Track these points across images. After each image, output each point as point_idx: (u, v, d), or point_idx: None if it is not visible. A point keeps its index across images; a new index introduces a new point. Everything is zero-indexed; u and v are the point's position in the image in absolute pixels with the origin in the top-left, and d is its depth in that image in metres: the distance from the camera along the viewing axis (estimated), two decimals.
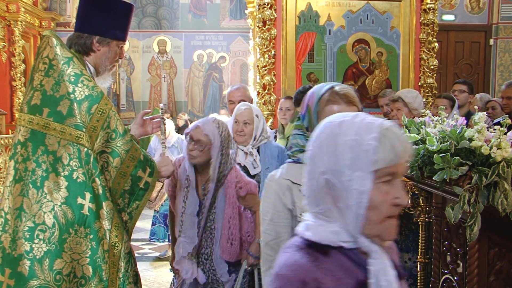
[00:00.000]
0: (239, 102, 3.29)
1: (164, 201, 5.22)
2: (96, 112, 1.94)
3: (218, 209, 2.48)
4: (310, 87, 3.78)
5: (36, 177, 1.91)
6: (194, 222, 2.42)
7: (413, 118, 3.43)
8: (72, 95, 1.92)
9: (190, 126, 2.52)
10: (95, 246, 1.92)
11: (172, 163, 2.29)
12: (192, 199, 2.44)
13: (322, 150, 1.01)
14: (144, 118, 2.35)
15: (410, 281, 3.41)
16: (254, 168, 2.90)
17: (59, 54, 1.96)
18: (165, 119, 2.39)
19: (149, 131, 2.37)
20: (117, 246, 1.95)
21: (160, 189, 5.06)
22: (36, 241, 1.88)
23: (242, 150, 2.88)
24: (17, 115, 7.64)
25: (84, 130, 1.92)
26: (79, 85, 1.94)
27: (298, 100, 3.66)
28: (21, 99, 7.83)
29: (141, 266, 4.95)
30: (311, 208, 1.05)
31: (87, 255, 1.91)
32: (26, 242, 1.87)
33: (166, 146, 2.37)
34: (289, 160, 1.65)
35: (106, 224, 1.94)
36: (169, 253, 5.48)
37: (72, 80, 1.94)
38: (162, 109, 2.37)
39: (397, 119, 3.50)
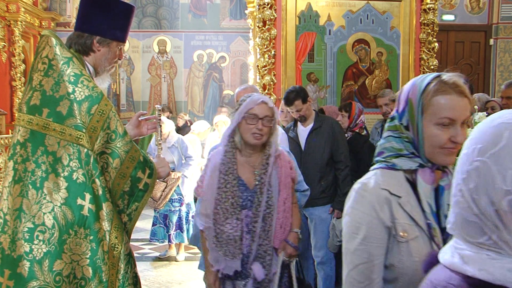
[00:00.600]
0: None
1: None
2: (96, 113, 1.92)
3: (274, 192, 2.25)
4: (301, 87, 3.79)
5: (35, 178, 1.89)
6: (211, 203, 2.22)
7: None
8: (72, 96, 1.91)
9: (247, 104, 2.28)
10: (95, 247, 1.90)
11: (168, 164, 2.28)
12: (212, 182, 2.24)
13: (503, 161, 0.77)
14: (140, 119, 2.34)
15: None
16: None
17: (58, 54, 1.94)
18: (161, 120, 2.37)
19: (144, 132, 2.36)
20: (117, 248, 1.94)
21: (164, 189, 5.07)
22: (35, 242, 1.86)
23: None
24: (16, 115, 7.60)
25: (84, 130, 1.91)
26: (79, 85, 1.92)
27: (289, 100, 3.64)
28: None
29: (141, 266, 4.95)
30: (470, 237, 0.81)
31: (87, 256, 1.90)
32: (26, 243, 1.86)
33: (162, 148, 2.36)
34: (381, 165, 1.36)
35: (105, 225, 1.92)
36: (170, 253, 5.48)
37: (72, 80, 1.92)
38: (159, 110, 2.35)
39: None
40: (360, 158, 3.79)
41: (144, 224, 6.74)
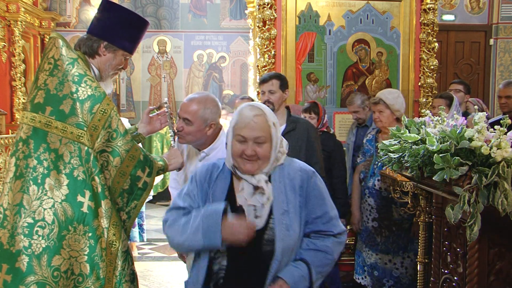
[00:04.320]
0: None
1: None
2: (98, 112, 1.97)
3: None
4: (284, 75, 3.48)
5: (37, 174, 1.93)
6: None
7: (396, 119, 3.44)
8: (75, 95, 1.96)
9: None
10: (93, 244, 1.93)
11: (181, 155, 2.28)
12: None
13: None
14: (150, 115, 2.40)
15: (390, 282, 3.41)
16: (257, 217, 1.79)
17: (64, 55, 2.00)
18: (172, 113, 2.41)
19: (158, 127, 2.42)
20: (115, 244, 1.97)
21: None
22: (35, 237, 1.89)
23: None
24: (20, 113, 7.64)
25: (85, 129, 1.95)
26: (82, 85, 1.98)
27: (267, 76, 3.33)
28: (21, 99, 7.84)
29: (141, 266, 4.94)
30: None
31: (85, 253, 1.93)
32: (25, 238, 1.89)
33: (175, 139, 2.37)
34: None
35: (104, 222, 1.96)
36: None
37: (76, 80, 1.98)
38: (166, 103, 2.39)
39: (379, 121, 3.47)
40: (334, 157, 3.68)
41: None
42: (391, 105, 3.40)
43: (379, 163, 3.37)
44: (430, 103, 4.55)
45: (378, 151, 3.40)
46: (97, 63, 2.15)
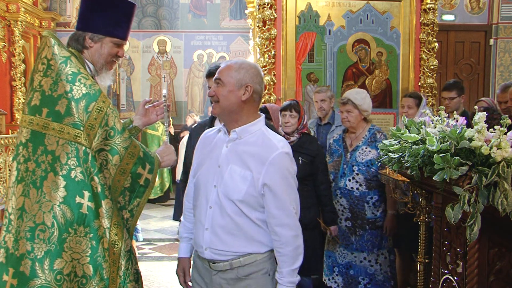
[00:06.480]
0: None
1: None
2: (93, 110, 1.93)
3: None
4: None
5: (36, 177, 1.91)
6: None
7: (363, 119, 3.45)
8: (69, 94, 1.92)
9: None
10: (95, 245, 1.91)
11: (174, 152, 2.24)
12: None
13: None
14: (146, 106, 2.35)
15: (366, 280, 3.43)
16: None
17: (56, 54, 1.96)
18: (169, 105, 2.38)
19: (153, 119, 2.36)
20: (117, 244, 1.95)
21: None
22: (36, 241, 1.88)
23: None
24: (19, 116, 7.65)
25: (82, 128, 1.92)
26: (77, 83, 1.93)
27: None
28: (21, 99, 7.84)
29: (141, 266, 4.93)
30: None
31: (88, 254, 1.91)
32: (28, 242, 1.88)
33: (168, 134, 2.36)
34: None
35: (105, 223, 1.93)
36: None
37: (70, 79, 1.93)
38: (164, 96, 2.34)
39: (347, 121, 3.46)
40: (318, 162, 3.33)
41: (144, 225, 6.75)
42: (359, 105, 3.40)
43: (349, 164, 3.43)
44: (431, 103, 4.55)
45: (347, 151, 3.39)
46: (88, 56, 2.11)
